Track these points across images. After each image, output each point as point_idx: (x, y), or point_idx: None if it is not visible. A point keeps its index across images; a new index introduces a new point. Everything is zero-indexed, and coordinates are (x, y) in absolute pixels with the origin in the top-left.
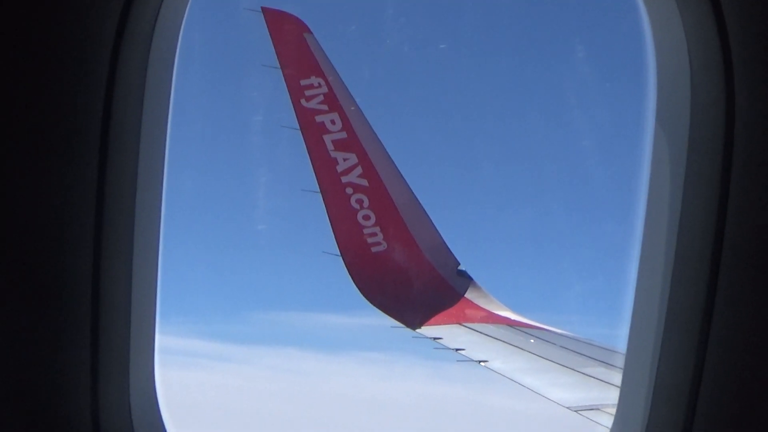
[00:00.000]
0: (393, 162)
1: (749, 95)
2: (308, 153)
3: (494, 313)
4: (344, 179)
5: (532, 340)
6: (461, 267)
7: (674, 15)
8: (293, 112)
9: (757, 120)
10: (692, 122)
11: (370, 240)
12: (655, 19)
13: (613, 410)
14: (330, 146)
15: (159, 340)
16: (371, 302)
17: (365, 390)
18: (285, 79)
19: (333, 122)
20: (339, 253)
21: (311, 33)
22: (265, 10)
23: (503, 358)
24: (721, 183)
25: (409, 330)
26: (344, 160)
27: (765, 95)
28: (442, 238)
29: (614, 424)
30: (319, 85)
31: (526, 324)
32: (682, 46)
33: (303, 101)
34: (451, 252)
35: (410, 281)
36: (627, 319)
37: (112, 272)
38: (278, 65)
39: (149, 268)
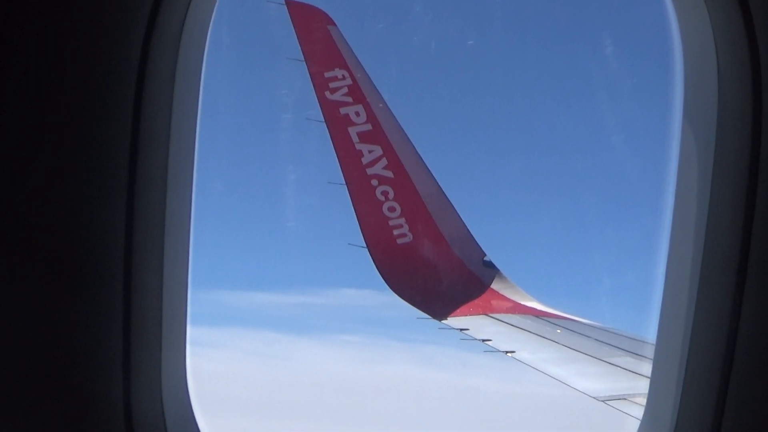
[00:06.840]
0: (418, 153)
1: None
2: (333, 145)
3: (521, 304)
4: (369, 171)
5: (558, 331)
6: (487, 258)
7: (702, 12)
8: (318, 104)
9: None
10: (719, 119)
11: (395, 232)
12: (683, 16)
13: (641, 400)
14: (355, 138)
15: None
16: (397, 293)
17: (393, 378)
18: (309, 72)
19: (357, 114)
20: (365, 245)
21: (335, 25)
22: (290, 3)
23: (530, 349)
24: (749, 178)
25: (434, 321)
26: (369, 152)
27: None
28: (467, 228)
29: (644, 417)
30: (344, 77)
31: (552, 314)
32: (710, 43)
33: (327, 93)
34: (476, 242)
35: (436, 272)
36: (656, 312)
37: (144, 267)
38: (303, 58)
39: (180, 262)
